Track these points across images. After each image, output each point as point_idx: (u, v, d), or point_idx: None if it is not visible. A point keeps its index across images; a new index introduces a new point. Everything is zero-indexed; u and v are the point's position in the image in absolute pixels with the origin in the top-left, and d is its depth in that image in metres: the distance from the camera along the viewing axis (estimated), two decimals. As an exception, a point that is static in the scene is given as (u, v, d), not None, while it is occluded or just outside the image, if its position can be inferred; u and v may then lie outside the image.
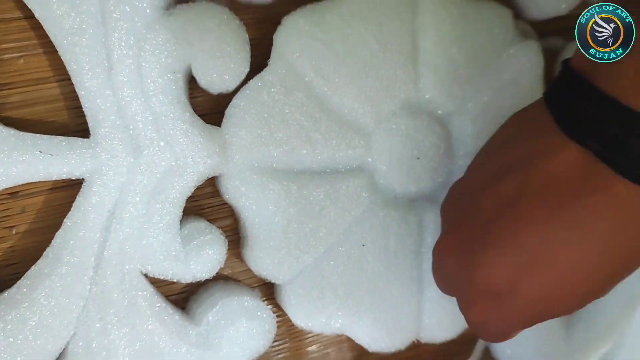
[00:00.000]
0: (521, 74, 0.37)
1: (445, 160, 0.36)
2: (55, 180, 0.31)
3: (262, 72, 0.33)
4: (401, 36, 0.35)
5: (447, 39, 0.35)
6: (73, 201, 0.30)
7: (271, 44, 0.33)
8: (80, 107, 0.30)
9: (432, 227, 0.36)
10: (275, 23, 0.34)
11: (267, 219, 0.33)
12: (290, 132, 0.33)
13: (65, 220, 0.30)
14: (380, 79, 0.34)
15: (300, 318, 0.34)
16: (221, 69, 0.31)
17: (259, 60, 0.33)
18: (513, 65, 0.37)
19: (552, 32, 0.41)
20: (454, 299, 0.30)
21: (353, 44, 0.34)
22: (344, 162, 0.35)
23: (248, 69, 0.32)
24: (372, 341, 0.36)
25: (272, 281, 0.34)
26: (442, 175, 0.36)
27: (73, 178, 0.30)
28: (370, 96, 0.34)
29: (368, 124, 0.35)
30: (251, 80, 0.33)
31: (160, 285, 0.34)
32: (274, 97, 0.33)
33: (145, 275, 0.32)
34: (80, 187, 0.31)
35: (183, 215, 0.33)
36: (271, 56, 0.33)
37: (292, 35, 0.33)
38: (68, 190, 0.31)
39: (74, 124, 0.31)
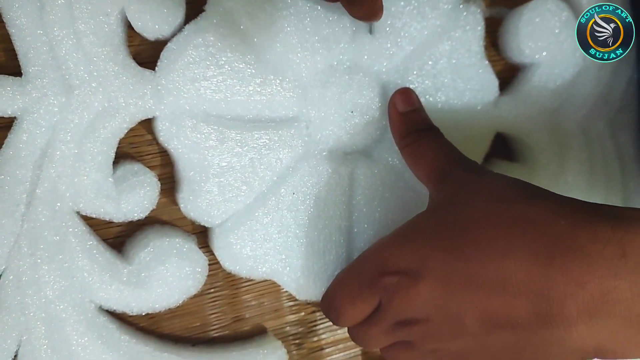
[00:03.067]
0: (460, 36, 0.38)
1: (380, 116, 0.37)
2: (-11, 120, 0.32)
3: (197, 18, 0.33)
4: (340, -11, 0.35)
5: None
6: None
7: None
8: (18, 48, 0.31)
9: (362, 180, 0.37)
10: (214, -28, 0.34)
11: (199, 163, 0.34)
12: (224, 77, 0.33)
13: (-4, 156, 0.31)
14: (318, 31, 0.35)
15: (228, 261, 0.35)
16: (155, 14, 0.32)
17: (198, 12, 0.34)
18: (452, 25, 0.38)
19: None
20: None
21: (291, -4, 0.34)
22: (279, 111, 0.35)
23: (183, 15, 0.33)
24: (299, 287, 0.37)
25: (202, 224, 0.35)
26: (377, 131, 0.37)
27: (5, 116, 0.31)
28: (306, 48, 0.35)
29: (304, 75, 0.35)
30: (187, 25, 0.33)
31: (97, 227, 0.34)
32: (208, 41, 0.33)
33: (80, 215, 0.33)
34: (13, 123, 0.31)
35: (121, 160, 0.34)
36: (207, 2, 0.34)
37: (230, -18, 0.33)
38: (3, 131, 0.32)
39: (11, 65, 0.32)
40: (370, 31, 0.37)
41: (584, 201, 0.29)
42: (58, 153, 0.31)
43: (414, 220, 0.33)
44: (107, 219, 0.33)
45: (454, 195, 0.32)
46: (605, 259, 0.26)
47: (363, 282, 0.32)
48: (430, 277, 0.30)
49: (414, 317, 0.31)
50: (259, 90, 0.34)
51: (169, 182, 0.36)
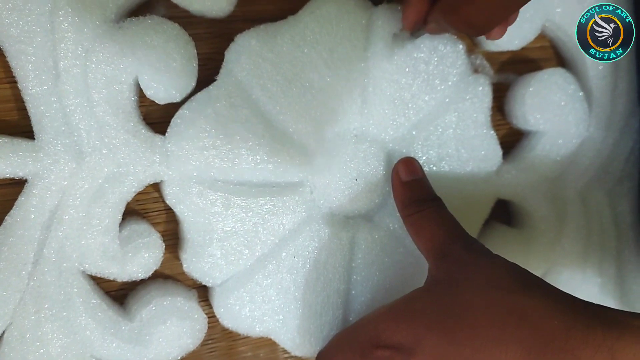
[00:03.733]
0: (467, 107, 0.38)
1: (383, 182, 0.38)
2: (0, 178, 0.32)
3: (209, 86, 0.34)
4: (351, 62, 0.36)
5: (397, 68, 0.36)
6: (17, 198, 0.32)
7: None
8: (31, 109, 0.31)
9: (363, 244, 0.38)
10: (230, 39, 0.35)
11: (203, 226, 0.34)
12: (233, 147, 0.34)
13: (6, 217, 0.31)
14: (326, 102, 0.35)
15: (227, 319, 0.36)
16: (167, 82, 0.32)
17: (213, 74, 0.35)
18: (459, 97, 0.38)
19: (508, 61, 0.42)
20: None
21: (302, 67, 0.35)
22: (284, 177, 0.36)
23: (194, 84, 0.34)
24: (295, 346, 0.37)
25: (203, 283, 0.36)
26: (379, 197, 0.38)
27: (16, 178, 0.32)
28: (314, 117, 0.35)
29: (311, 144, 0.36)
30: (198, 93, 0.34)
31: (101, 280, 0.35)
32: (219, 111, 0.34)
33: (85, 273, 0.34)
34: (24, 186, 0.32)
35: (127, 217, 0.35)
36: (220, 71, 0.34)
37: (243, 54, 0.34)
38: (13, 187, 0.33)
39: (24, 125, 0.32)
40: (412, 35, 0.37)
41: (579, 299, 0.30)
42: (66, 217, 0.32)
43: (412, 295, 0.34)
44: (112, 279, 0.34)
45: (452, 276, 0.33)
46: None
47: (356, 351, 0.33)
48: (423, 356, 0.30)
49: None
50: (266, 158, 0.35)
51: (174, 239, 0.37)
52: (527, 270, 0.32)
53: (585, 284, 0.44)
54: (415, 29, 0.35)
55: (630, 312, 0.29)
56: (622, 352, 0.27)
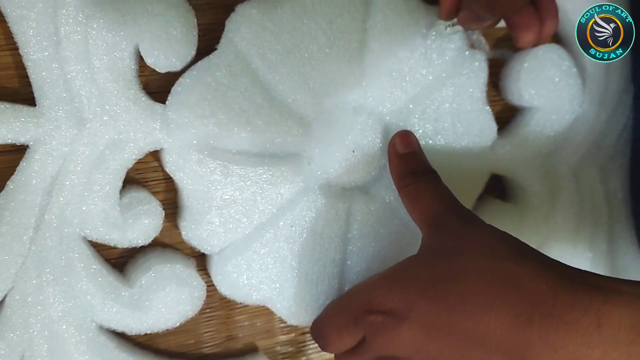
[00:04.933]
0: (464, 82, 0.39)
1: (380, 155, 0.38)
2: (2, 144, 0.32)
3: (209, 55, 0.34)
4: (350, 34, 0.36)
5: (396, 41, 0.37)
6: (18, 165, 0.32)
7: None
8: (32, 75, 0.31)
9: (359, 216, 0.38)
10: (230, 10, 0.35)
11: (202, 194, 0.35)
12: (232, 115, 0.34)
13: (7, 183, 0.32)
14: (325, 73, 0.36)
15: (225, 287, 0.37)
16: (167, 50, 0.33)
17: (213, 44, 0.35)
18: (456, 71, 0.39)
19: (504, 38, 0.43)
20: None
21: (301, 38, 0.35)
22: (282, 147, 0.36)
23: (194, 52, 0.34)
24: (290, 315, 0.38)
25: (201, 251, 0.36)
26: (376, 169, 0.38)
27: (18, 144, 0.32)
28: (313, 88, 0.36)
29: (309, 114, 0.36)
30: (198, 62, 0.34)
31: (101, 248, 0.36)
32: (219, 80, 0.34)
33: (86, 239, 0.34)
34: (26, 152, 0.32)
35: (127, 185, 0.35)
36: (220, 41, 0.34)
37: (243, 23, 0.34)
38: (15, 154, 0.33)
39: (25, 92, 0.33)
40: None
41: (568, 266, 0.31)
42: (67, 182, 0.32)
43: (405, 263, 0.34)
44: (112, 245, 0.35)
45: (445, 244, 0.33)
46: (581, 327, 0.28)
47: (350, 317, 0.34)
48: (414, 321, 0.31)
49: (395, 355, 0.33)
50: (265, 127, 0.35)
51: (172, 208, 0.37)
52: (518, 239, 0.33)
53: (577, 259, 0.45)
54: (450, 18, 0.36)
55: (617, 278, 0.30)
56: (608, 316, 0.27)
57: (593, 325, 0.27)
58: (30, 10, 0.30)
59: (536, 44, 0.36)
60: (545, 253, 0.34)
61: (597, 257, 0.45)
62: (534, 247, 0.32)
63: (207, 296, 0.38)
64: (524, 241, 0.33)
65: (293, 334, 0.42)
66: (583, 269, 0.44)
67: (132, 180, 0.36)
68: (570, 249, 0.44)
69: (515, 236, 0.33)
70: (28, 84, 0.32)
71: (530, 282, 0.30)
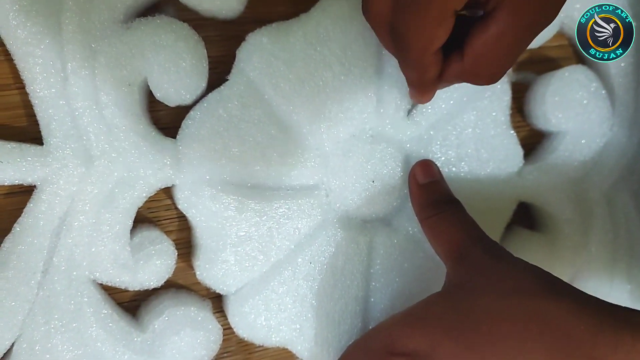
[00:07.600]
0: (486, 105, 0.37)
1: (401, 185, 0.36)
2: (10, 186, 0.31)
3: (220, 87, 0.33)
4: (365, 60, 0.35)
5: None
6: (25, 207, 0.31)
7: (236, 61, 0.34)
8: (40, 114, 0.30)
9: (381, 249, 0.36)
10: (241, 41, 0.34)
11: (216, 231, 0.33)
12: (245, 148, 0.33)
13: (15, 225, 0.31)
14: (341, 101, 0.34)
15: (242, 328, 0.35)
16: (176, 83, 0.32)
17: (224, 76, 0.34)
18: (478, 95, 0.37)
19: (526, 61, 0.41)
20: None
21: (315, 66, 0.34)
22: (299, 180, 0.35)
23: (205, 85, 0.33)
24: (312, 356, 0.36)
25: (217, 291, 0.35)
26: (397, 200, 0.37)
27: (25, 184, 0.31)
28: (329, 118, 0.34)
29: (325, 145, 0.35)
30: (209, 94, 0.33)
31: (113, 291, 0.34)
32: (231, 112, 0.33)
33: (96, 282, 0.33)
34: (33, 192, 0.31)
35: (138, 225, 0.34)
36: (232, 71, 0.33)
37: (254, 52, 0.33)
38: (23, 195, 0.32)
39: (33, 131, 0.32)
40: (408, 114, 0.36)
41: (607, 302, 0.28)
42: (76, 223, 0.31)
43: (429, 300, 0.32)
44: (123, 287, 0.33)
45: (471, 279, 0.31)
46: None
47: (372, 358, 0.32)
48: None
49: None
50: (280, 160, 0.34)
51: (186, 247, 0.36)
52: (549, 273, 0.30)
53: (615, 292, 0.42)
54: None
55: None
56: None
57: None
58: (37, 46, 0.29)
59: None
60: (580, 286, 0.32)
61: (636, 289, 0.42)
62: (568, 279, 0.30)
63: (224, 339, 0.36)
64: (555, 274, 0.30)
65: (315, 378, 0.39)
66: (622, 301, 0.42)
67: (144, 219, 0.35)
68: (606, 282, 0.42)
69: (546, 269, 0.31)
70: (36, 123, 0.31)
71: (565, 321, 0.27)
